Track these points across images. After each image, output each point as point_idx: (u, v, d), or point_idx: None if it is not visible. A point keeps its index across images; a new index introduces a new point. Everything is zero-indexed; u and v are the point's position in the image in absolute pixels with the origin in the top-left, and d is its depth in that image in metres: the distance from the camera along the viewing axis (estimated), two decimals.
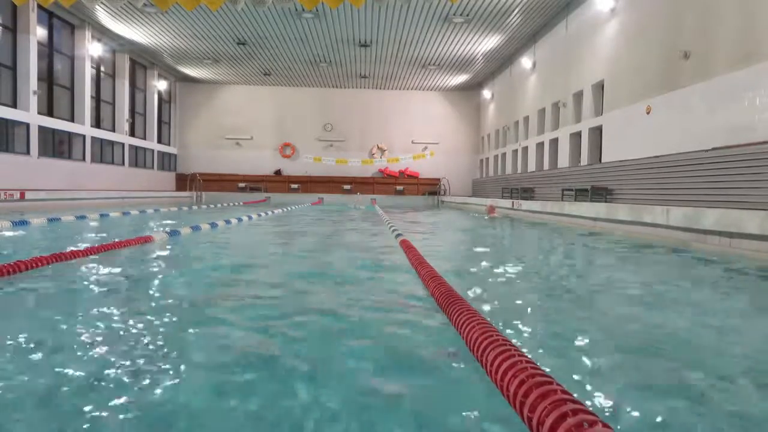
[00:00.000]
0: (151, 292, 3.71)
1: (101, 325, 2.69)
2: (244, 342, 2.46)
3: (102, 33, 19.21)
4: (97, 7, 15.99)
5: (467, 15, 16.13)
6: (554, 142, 16.80)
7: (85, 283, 3.94)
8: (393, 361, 2.21)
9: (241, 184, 27.11)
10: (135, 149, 22.91)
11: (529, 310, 3.35)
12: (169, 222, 10.58)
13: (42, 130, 16.32)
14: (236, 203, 21.85)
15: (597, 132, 13.91)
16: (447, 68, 23.06)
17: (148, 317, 2.88)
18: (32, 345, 2.35)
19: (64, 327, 2.68)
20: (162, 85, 24.96)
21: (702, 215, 7.12)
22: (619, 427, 1.62)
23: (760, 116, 7.91)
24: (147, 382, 1.90)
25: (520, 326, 2.81)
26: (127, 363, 2.10)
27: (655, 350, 2.47)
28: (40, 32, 16.40)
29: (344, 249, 6.71)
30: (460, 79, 25.16)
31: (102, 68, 20.38)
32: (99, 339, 2.43)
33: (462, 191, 27.45)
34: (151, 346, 2.34)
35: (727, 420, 1.74)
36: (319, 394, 1.82)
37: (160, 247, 6.10)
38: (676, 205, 8.60)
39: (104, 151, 20.33)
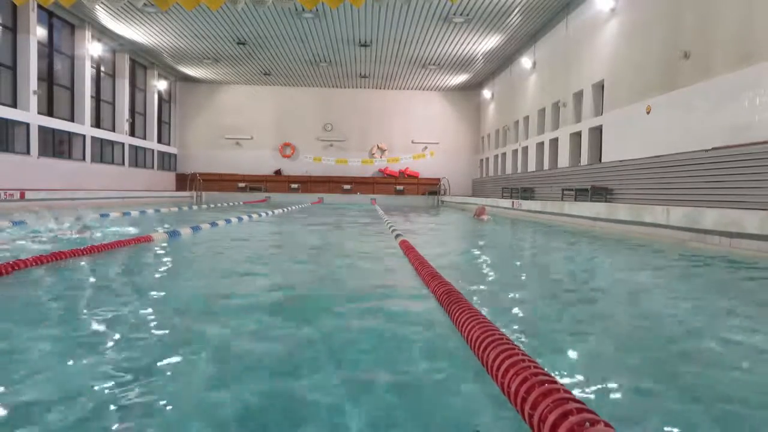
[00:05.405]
0: (150, 291, 3.71)
1: (101, 323, 2.69)
2: (242, 344, 2.46)
3: (102, 33, 19.22)
4: (97, 7, 15.99)
5: (467, 15, 16.13)
6: (554, 142, 16.80)
7: (85, 282, 3.94)
8: (393, 362, 2.21)
9: (241, 184, 27.12)
10: (135, 149, 22.91)
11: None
12: (168, 222, 10.57)
13: (42, 130, 16.32)
14: (236, 203, 21.84)
15: (597, 132, 13.92)
16: (447, 68, 23.07)
17: (147, 316, 2.88)
18: (31, 345, 2.35)
19: (64, 326, 2.68)
20: (162, 85, 24.97)
21: (702, 215, 7.13)
22: None
23: (760, 116, 7.91)
24: (143, 381, 1.90)
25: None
26: (125, 363, 2.10)
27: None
28: (40, 32, 16.40)
29: (344, 248, 6.71)
30: (460, 79, 25.17)
31: (102, 68, 20.39)
32: (98, 338, 2.43)
33: (462, 191, 27.46)
34: (148, 346, 2.34)
35: None
36: (314, 398, 1.82)
37: (160, 246, 6.10)
38: (676, 205, 8.61)
39: (104, 151, 20.33)
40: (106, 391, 1.80)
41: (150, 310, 3.07)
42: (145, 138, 24.06)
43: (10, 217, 9.12)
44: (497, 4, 15.17)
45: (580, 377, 2.03)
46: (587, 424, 1.22)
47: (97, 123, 19.89)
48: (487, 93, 25.39)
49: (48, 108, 17.06)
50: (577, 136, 15.16)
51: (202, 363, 2.14)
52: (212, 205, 19.42)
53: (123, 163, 21.78)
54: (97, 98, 20.07)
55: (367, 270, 4.91)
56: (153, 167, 24.80)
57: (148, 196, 21.11)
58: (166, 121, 26.65)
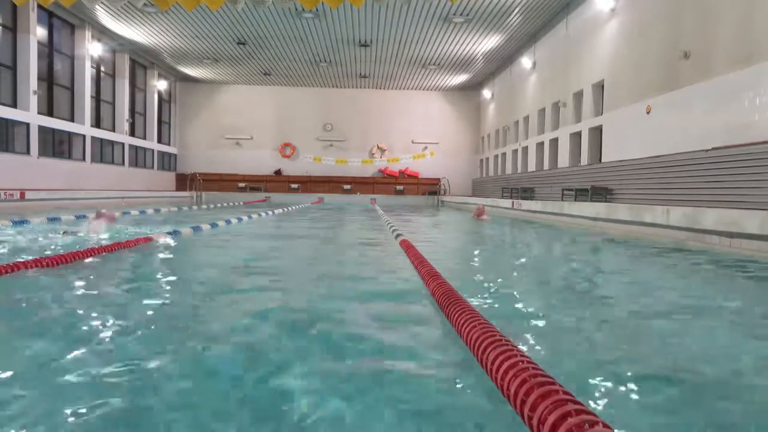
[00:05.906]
0: (152, 292, 3.71)
1: (101, 325, 2.70)
2: (243, 344, 2.47)
3: (102, 33, 19.22)
4: (97, 7, 15.99)
5: (467, 15, 16.13)
6: (554, 142, 16.80)
7: (85, 284, 3.94)
8: (392, 362, 2.21)
9: (241, 184, 27.12)
10: (135, 149, 22.92)
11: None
12: (168, 222, 10.57)
13: (42, 129, 16.32)
14: (236, 203, 21.84)
15: (597, 132, 13.92)
16: (447, 68, 23.07)
17: (148, 317, 2.88)
18: (32, 346, 2.35)
19: (65, 328, 2.68)
20: (162, 85, 24.97)
21: (702, 215, 7.13)
22: None
23: (760, 116, 7.91)
24: (141, 383, 1.91)
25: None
26: (125, 364, 2.10)
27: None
28: (40, 32, 16.40)
29: (343, 247, 6.71)
30: (460, 79, 25.16)
31: (102, 68, 20.39)
32: (99, 340, 2.43)
33: (462, 191, 27.46)
34: (149, 348, 2.34)
35: None
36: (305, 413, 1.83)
37: (160, 246, 6.10)
38: (676, 205, 8.61)
39: (104, 151, 20.34)
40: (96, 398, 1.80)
41: (148, 310, 3.07)
42: (145, 138, 24.06)
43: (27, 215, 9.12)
44: (497, 4, 15.17)
45: (578, 377, 2.03)
46: (586, 425, 1.22)
47: (97, 123, 19.89)
48: (487, 93, 25.39)
49: (48, 108, 17.06)
50: (577, 136, 15.16)
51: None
52: (212, 206, 19.42)
53: (123, 163, 21.78)
54: (97, 98, 20.07)
55: (366, 271, 4.91)
56: (153, 167, 24.81)
57: (148, 196, 21.11)
58: (166, 121, 26.65)
